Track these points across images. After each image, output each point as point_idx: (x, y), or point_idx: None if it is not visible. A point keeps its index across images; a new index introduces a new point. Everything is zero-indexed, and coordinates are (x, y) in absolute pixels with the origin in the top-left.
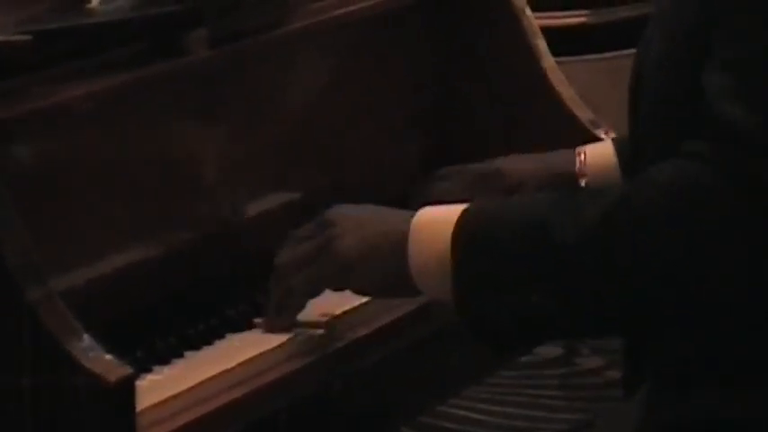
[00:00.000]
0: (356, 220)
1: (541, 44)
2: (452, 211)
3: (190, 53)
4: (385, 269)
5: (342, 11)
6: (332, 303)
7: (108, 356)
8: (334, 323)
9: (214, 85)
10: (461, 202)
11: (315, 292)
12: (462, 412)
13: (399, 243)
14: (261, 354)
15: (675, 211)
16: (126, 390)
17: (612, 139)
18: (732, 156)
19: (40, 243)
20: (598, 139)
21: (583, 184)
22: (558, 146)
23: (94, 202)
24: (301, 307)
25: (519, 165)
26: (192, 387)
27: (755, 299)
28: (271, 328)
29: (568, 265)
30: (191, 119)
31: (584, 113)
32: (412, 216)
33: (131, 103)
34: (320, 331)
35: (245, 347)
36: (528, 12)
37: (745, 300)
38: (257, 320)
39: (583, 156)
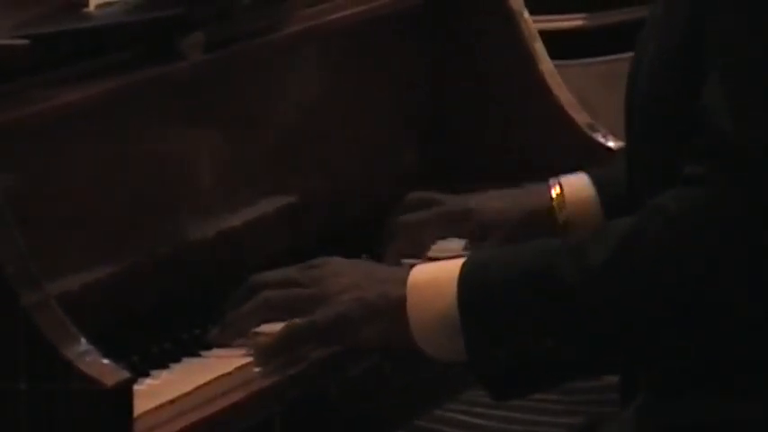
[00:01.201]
0: (352, 277)
1: (539, 47)
2: (449, 270)
3: (185, 57)
4: (385, 331)
5: (338, 15)
6: None
7: (105, 361)
8: None
9: (210, 89)
10: (434, 237)
11: (308, 341)
12: (460, 416)
13: (399, 306)
14: None
15: (682, 239)
16: (123, 394)
17: (587, 172)
18: (734, 179)
19: (35, 247)
20: (596, 143)
21: (561, 217)
22: (557, 150)
23: (91, 206)
24: (293, 351)
25: (490, 204)
26: (190, 392)
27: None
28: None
29: (577, 309)
30: (186, 123)
31: (581, 117)
32: (407, 275)
33: (127, 107)
34: None
35: (242, 352)
36: (526, 15)
37: (754, 318)
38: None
39: (558, 189)
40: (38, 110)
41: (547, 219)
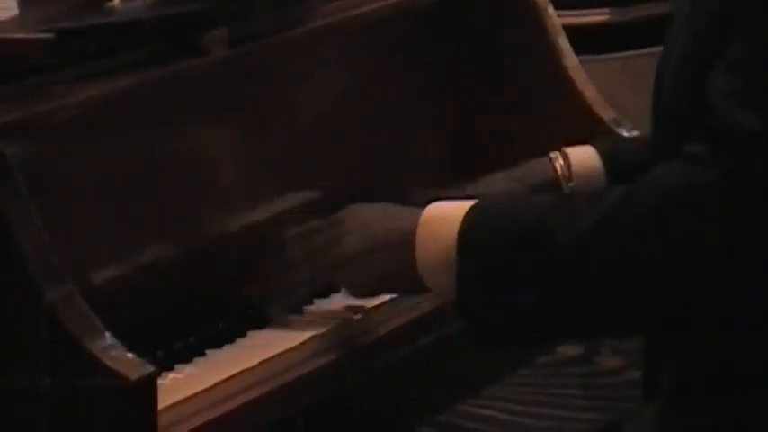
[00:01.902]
0: (365, 218)
1: (564, 42)
2: (460, 208)
3: (208, 53)
4: (391, 262)
5: (360, 10)
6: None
7: (129, 355)
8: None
9: (232, 84)
10: None
11: (319, 286)
12: (482, 411)
13: (407, 237)
14: (281, 353)
15: (674, 213)
16: (147, 388)
17: (594, 144)
18: (730, 158)
19: (60, 243)
20: (621, 138)
21: (568, 187)
22: (581, 145)
23: (114, 202)
24: (306, 299)
25: (494, 188)
26: (213, 386)
27: (761, 299)
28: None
29: (564, 268)
30: (209, 118)
31: (606, 112)
32: (420, 211)
33: (150, 103)
34: (358, 316)
35: (265, 346)
36: (550, 10)
37: (749, 301)
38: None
39: (562, 159)
40: (62, 105)
41: (553, 189)
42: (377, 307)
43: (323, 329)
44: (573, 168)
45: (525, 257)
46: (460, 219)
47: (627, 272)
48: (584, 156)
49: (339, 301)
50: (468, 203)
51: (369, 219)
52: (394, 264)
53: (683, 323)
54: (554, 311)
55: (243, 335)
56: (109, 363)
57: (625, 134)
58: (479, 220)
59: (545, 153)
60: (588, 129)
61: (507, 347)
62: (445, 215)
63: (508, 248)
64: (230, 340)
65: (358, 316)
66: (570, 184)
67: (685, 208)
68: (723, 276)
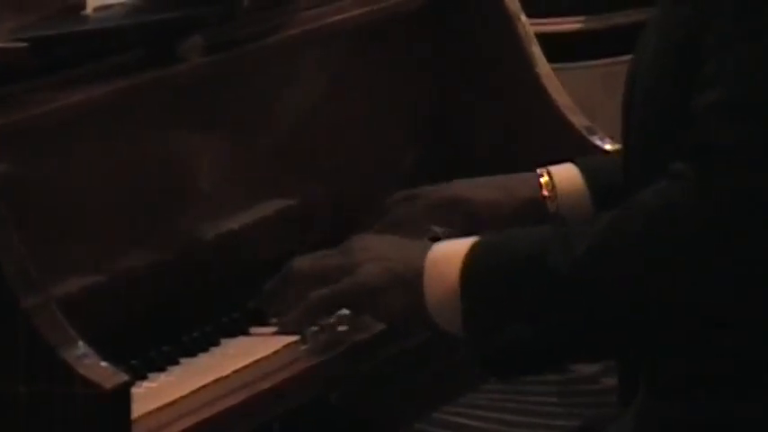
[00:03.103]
0: (380, 250)
1: (537, 50)
2: (461, 248)
3: (185, 60)
4: (405, 300)
5: (338, 18)
6: None
7: (103, 364)
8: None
9: (210, 92)
10: (426, 229)
11: (330, 310)
12: (458, 419)
13: (418, 277)
14: (256, 361)
15: (656, 234)
16: (122, 397)
17: (575, 162)
18: (711, 175)
19: (35, 250)
20: (594, 146)
21: (553, 206)
22: (555, 153)
23: (90, 209)
24: (313, 320)
25: (478, 193)
26: (188, 394)
27: (743, 312)
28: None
29: (561, 296)
30: (186, 126)
31: (579, 120)
32: (430, 247)
33: (126, 110)
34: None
35: (240, 354)
36: (523, 18)
37: (734, 313)
38: (273, 321)
39: (547, 178)
40: (36, 113)
41: (538, 208)
42: (351, 316)
43: (297, 338)
44: (557, 187)
45: (524, 289)
46: (462, 257)
47: (617, 293)
48: (566, 174)
49: None
50: (469, 240)
51: (384, 252)
52: (408, 300)
53: (671, 336)
54: (554, 339)
55: (217, 343)
56: (83, 371)
57: (598, 142)
58: (480, 256)
59: (520, 159)
60: (561, 136)
61: (516, 377)
62: (448, 255)
63: (508, 282)
64: (205, 349)
65: (343, 327)
66: (554, 202)
67: (667, 227)
68: (708, 293)
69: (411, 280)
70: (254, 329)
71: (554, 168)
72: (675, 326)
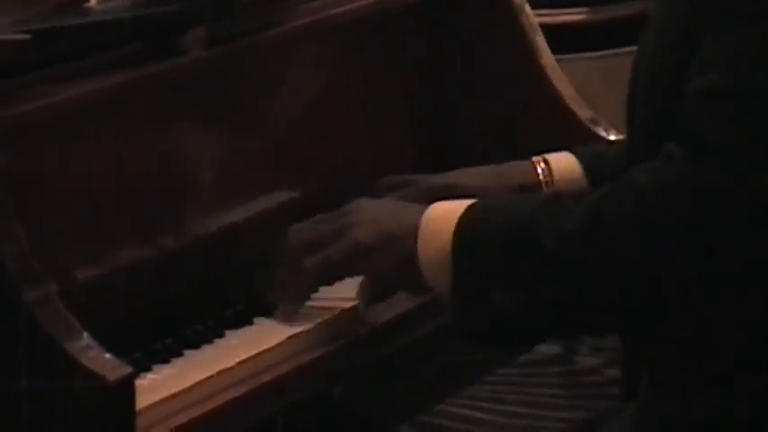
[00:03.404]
0: (373, 212)
1: (540, 41)
2: (457, 208)
3: (187, 53)
4: (398, 258)
5: (338, 10)
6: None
7: (107, 356)
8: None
9: (211, 85)
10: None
11: (327, 276)
12: (461, 410)
13: (411, 235)
14: (260, 353)
15: (646, 212)
16: (126, 389)
17: (574, 151)
18: (701, 156)
19: (37, 243)
20: (598, 137)
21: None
22: (558, 144)
23: (91, 203)
24: (314, 289)
25: (472, 180)
26: (192, 386)
27: (730, 298)
28: (287, 312)
29: (548, 269)
30: (188, 119)
31: (583, 111)
32: (423, 210)
33: (128, 103)
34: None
35: (244, 346)
36: (527, 9)
37: (723, 299)
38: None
39: (544, 164)
40: (38, 106)
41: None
42: (355, 307)
43: (301, 329)
44: (554, 174)
45: (513, 258)
46: (457, 218)
47: (604, 272)
48: (564, 162)
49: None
50: (467, 201)
51: (376, 213)
52: (402, 258)
53: (658, 321)
54: (538, 311)
55: (221, 335)
56: (87, 364)
57: (602, 133)
58: (474, 219)
59: (523, 152)
60: (565, 128)
61: (495, 346)
62: (445, 214)
63: (498, 249)
64: (208, 341)
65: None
66: (550, 189)
67: (656, 207)
68: (695, 274)
69: (403, 237)
70: (257, 320)
71: (551, 155)
72: (661, 306)
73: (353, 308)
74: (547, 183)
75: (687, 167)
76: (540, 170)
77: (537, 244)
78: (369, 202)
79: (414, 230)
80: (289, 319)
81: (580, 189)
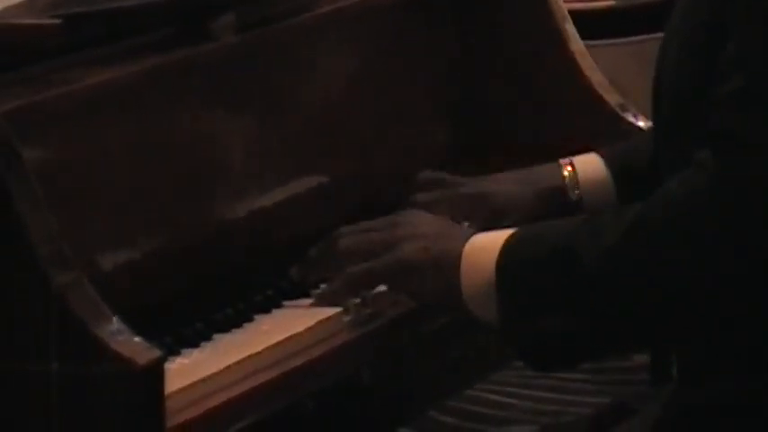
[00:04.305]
0: (424, 229)
1: (570, 28)
2: (498, 240)
3: (217, 39)
4: (441, 283)
5: None
6: None
7: (137, 340)
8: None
9: (241, 70)
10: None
11: (370, 285)
12: (491, 396)
13: (454, 264)
14: (289, 337)
15: (680, 223)
16: (155, 373)
17: (599, 153)
18: (732, 163)
19: (68, 228)
20: (627, 123)
21: (575, 195)
22: (588, 130)
23: (121, 187)
24: (352, 296)
25: (503, 186)
26: (221, 370)
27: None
28: (319, 303)
29: (593, 288)
30: (217, 104)
31: (612, 98)
32: (469, 237)
33: (158, 88)
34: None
35: (273, 331)
36: None
37: (759, 297)
38: (313, 292)
39: (570, 168)
40: (69, 90)
41: (560, 198)
42: (384, 292)
43: (331, 313)
44: (579, 176)
45: (557, 282)
46: (498, 250)
47: (648, 284)
48: (590, 164)
49: None
50: (508, 231)
51: (425, 231)
52: (443, 284)
53: (704, 325)
54: (587, 331)
55: (250, 319)
56: (116, 347)
57: (631, 119)
58: (515, 249)
59: (551, 138)
60: (594, 114)
61: (552, 370)
62: (485, 247)
63: (541, 274)
64: (238, 325)
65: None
66: (576, 191)
67: (691, 214)
68: (735, 280)
69: (447, 265)
70: (286, 304)
71: (577, 158)
72: (700, 313)
73: (384, 293)
74: (572, 184)
75: (719, 174)
76: (565, 172)
77: (579, 263)
78: (418, 215)
79: (457, 259)
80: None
81: (605, 189)
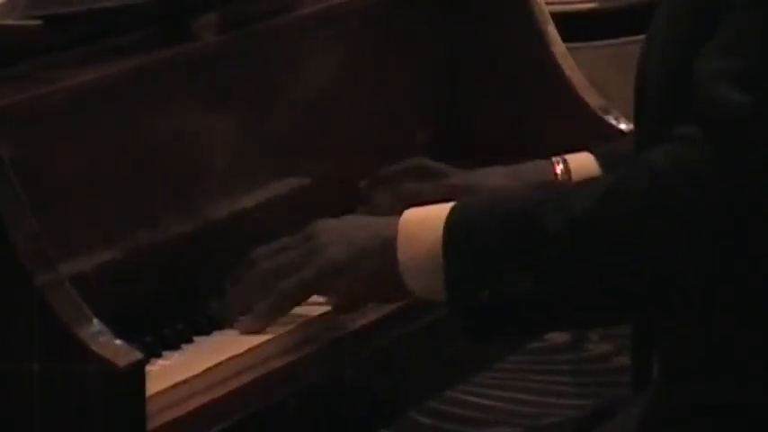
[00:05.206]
0: (341, 229)
1: (552, 30)
2: (440, 210)
3: (199, 38)
4: (374, 269)
5: None
6: None
7: (118, 341)
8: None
9: (223, 70)
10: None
11: (303, 297)
12: (471, 398)
13: (387, 243)
14: (270, 339)
15: (667, 195)
16: (136, 375)
17: (591, 151)
18: (723, 134)
19: (49, 228)
20: (609, 126)
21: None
22: (570, 132)
23: (103, 187)
24: (286, 312)
25: (491, 180)
26: (202, 372)
27: (755, 282)
28: (248, 329)
29: (557, 254)
30: (199, 104)
31: (594, 100)
32: (397, 219)
33: (140, 88)
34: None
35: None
36: None
37: (744, 283)
38: (238, 321)
39: (562, 164)
40: (50, 91)
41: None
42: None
43: (311, 316)
44: (572, 173)
45: (514, 247)
46: (442, 218)
47: (621, 255)
48: (583, 161)
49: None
50: (447, 205)
51: (345, 229)
52: (379, 270)
53: (678, 305)
54: (547, 298)
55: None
56: (97, 349)
57: (613, 122)
58: (464, 215)
59: (534, 139)
60: (576, 116)
61: (500, 341)
62: (425, 218)
63: (496, 239)
64: (219, 327)
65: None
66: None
67: (680, 187)
68: (722, 254)
69: (376, 249)
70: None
71: (569, 155)
72: (681, 288)
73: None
74: (565, 181)
75: (713, 148)
76: (558, 170)
77: (542, 229)
78: (332, 221)
79: (388, 242)
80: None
81: None
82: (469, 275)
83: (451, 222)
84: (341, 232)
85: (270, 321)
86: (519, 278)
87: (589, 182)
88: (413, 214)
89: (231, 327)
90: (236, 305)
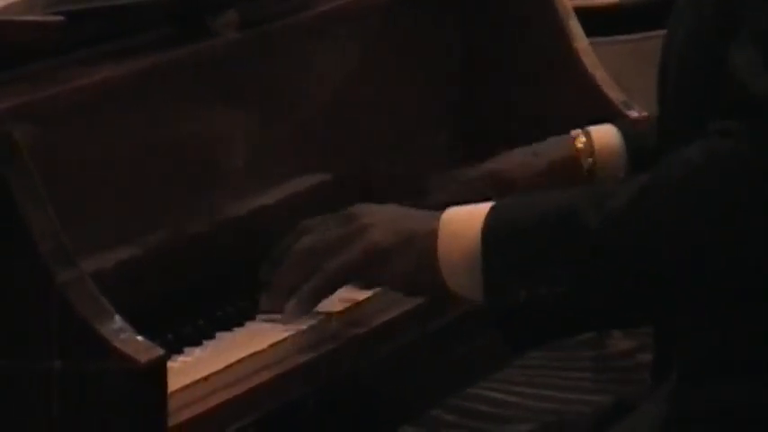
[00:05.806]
0: (386, 215)
1: (574, 25)
2: (479, 209)
3: (218, 35)
4: (416, 262)
5: None
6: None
7: (139, 338)
8: (351, 310)
9: (243, 67)
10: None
11: (345, 280)
12: (492, 394)
13: (429, 239)
14: (292, 336)
15: (710, 190)
16: (157, 371)
17: (614, 123)
18: (760, 127)
19: (70, 225)
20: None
21: (588, 163)
22: None
23: (123, 184)
24: (329, 293)
25: (510, 162)
26: (223, 369)
27: None
28: (295, 314)
29: (596, 251)
30: (219, 101)
31: (616, 95)
32: (439, 214)
33: (160, 86)
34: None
35: (275, 329)
36: None
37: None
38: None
39: (585, 137)
40: (71, 88)
41: (572, 166)
42: (385, 292)
43: (331, 312)
44: (594, 144)
45: (553, 245)
46: (482, 217)
47: (662, 250)
48: (605, 132)
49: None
50: (485, 204)
51: (390, 215)
52: (420, 261)
53: (718, 300)
54: (586, 297)
55: (253, 317)
56: (119, 345)
57: (635, 116)
58: (503, 215)
59: (554, 135)
60: (598, 111)
61: (536, 342)
62: (465, 216)
63: (533, 239)
64: (240, 323)
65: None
66: (589, 159)
67: (719, 182)
68: (764, 247)
69: (417, 241)
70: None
71: (593, 127)
72: (717, 284)
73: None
74: (586, 152)
75: (752, 141)
76: (580, 143)
77: (580, 226)
78: (374, 205)
79: (432, 232)
80: (292, 320)
81: (619, 159)
82: (507, 276)
83: (489, 222)
84: (386, 219)
85: (316, 304)
86: (557, 278)
87: (623, 180)
88: (453, 212)
89: (254, 321)
90: (282, 288)
